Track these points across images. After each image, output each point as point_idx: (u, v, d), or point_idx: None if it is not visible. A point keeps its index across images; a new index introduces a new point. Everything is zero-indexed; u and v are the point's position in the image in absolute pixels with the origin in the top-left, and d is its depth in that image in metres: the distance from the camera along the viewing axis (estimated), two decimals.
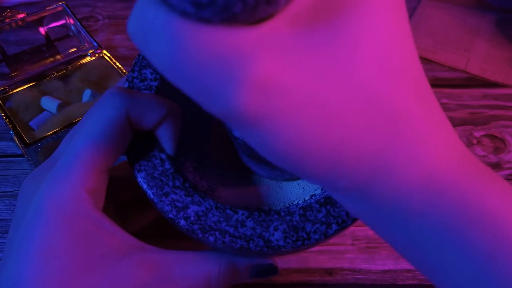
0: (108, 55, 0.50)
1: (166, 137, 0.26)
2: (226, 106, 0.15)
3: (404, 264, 0.40)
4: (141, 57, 0.28)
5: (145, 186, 0.25)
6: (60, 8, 0.52)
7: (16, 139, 0.43)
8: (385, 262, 0.39)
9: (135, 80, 0.28)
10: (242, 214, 0.24)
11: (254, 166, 0.30)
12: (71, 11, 0.52)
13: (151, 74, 0.28)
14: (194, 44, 0.15)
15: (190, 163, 0.29)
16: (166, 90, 0.28)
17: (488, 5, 0.62)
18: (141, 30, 0.16)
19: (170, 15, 0.15)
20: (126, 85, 0.28)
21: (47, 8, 0.52)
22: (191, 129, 0.27)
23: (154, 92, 0.27)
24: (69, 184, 0.23)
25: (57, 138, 0.41)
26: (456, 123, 0.49)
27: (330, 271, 0.39)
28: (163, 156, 0.26)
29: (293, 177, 0.31)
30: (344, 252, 0.40)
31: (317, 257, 0.39)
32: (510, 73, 0.54)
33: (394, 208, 0.17)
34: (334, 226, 0.24)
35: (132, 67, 0.28)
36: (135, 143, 0.26)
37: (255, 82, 0.15)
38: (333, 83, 0.15)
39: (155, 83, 0.28)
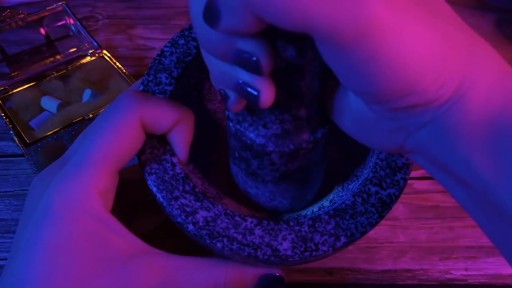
0: (108, 55, 0.50)
1: (178, 141, 0.26)
2: (363, 12, 0.15)
3: (404, 264, 0.40)
4: (156, 61, 0.29)
5: (155, 189, 0.25)
6: (60, 8, 0.52)
7: (16, 139, 0.43)
8: (385, 262, 0.40)
9: (150, 84, 0.28)
10: (251, 222, 0.24)
11: (263, 198, 0.29)
12: (71, 11, 0.52)
13: (166, 78, 0.28)
14: None
15: (199, 169, 0.29)
16: (180, 95, 0.28)
17: (488, 5, 0.62)
18: None
19: None
20: (141, 88, 0.28)
21: (47, 8, 0.52)
22: (200, 135, 0.27)
23: (168, 97, 0.27)
24: (79, 183, 0.23)
25: (57, 138, 0.41)
26: None
27: (330, 271, 0.39)
28: (174, 160, 0.26)
29: (301, 206, 0.30)
30: (344, 252, 0.40)
31: None
32: None
33: (479, 108, 0.18)
34: (342, 239, 0.24)
35: (147, 70, 0.28)
36: (147, 146, 0.26)
37: (369, 13, 0.16)
38: (427, 11, 0.17)
39: (170, 88, 0.28)
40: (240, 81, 0.20)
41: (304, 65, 0.21)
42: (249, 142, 0.25)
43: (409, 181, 0.44)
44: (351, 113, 0.21)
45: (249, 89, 0.20)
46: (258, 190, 0.28)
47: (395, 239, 0.42)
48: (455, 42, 0.18)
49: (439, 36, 0.17)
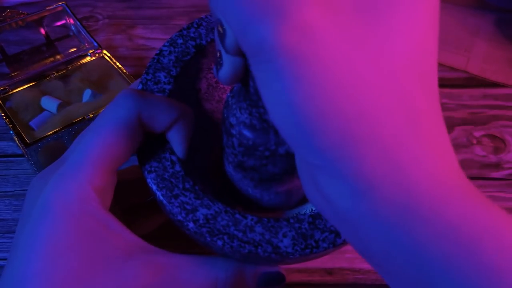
0: (108, 55, 0.50)
1: (177, 140, 0.26)
2: (263, 37, 0.15)
3: None
4: (155, 60, 0.29)
5: (154, 187, 0.25)
6: (60, 8, 0.52)
7: (16, 139, 0.43)
8: None
9: (148, 83, 0.28)
10: (251, 219, 0.24)
11: (257, 192, 0.29)
12: (71, 11, 0.52)
13: (165, 77, 0.28)
14: None
15: (198, 168, 0.29)
16: (179, 93, 0.28)
17: (488, 5, 0.62)
18: None
19: None
20: (139, 87, 0.28)
21: (47, 8, 0.52)
22: (197, 135, 0.27)
23: (167, 95, 0.27)
24: (77, 182, 0.23)
25: (57, 138, 0.41)
26: (456, 123, 0.49)
27: (330, 271, 0.39)
28: (174, 158, 0.26)
29: (291, 202, 0.30)
30: (344, 252, 0.40)
31: None
32: (510, 73, 0.54)
33: (396, 208, 0.16)
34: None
35: (146, 69, 0.28)
36: (146, 144, 0.26)
37: (297, 22, 0.15)
38: (368, 53, 0.15)
39: (169, 86, 0.28)
40: (218, 48, 0.21)
41: None
42: (225, 115, 0.25)
43: None
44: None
45: (218, 59, 0.21)
46: (248, 188, 0.28)
47: None
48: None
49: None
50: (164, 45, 0.29)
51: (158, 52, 0.29)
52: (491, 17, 0.60)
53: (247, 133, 0.24)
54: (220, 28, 0.18)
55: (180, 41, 0.29)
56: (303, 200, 0.30)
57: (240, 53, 0.19)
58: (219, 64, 0.21)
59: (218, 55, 0.21)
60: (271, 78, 0.16)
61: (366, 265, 0.39)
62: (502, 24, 0.59)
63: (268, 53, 0.15)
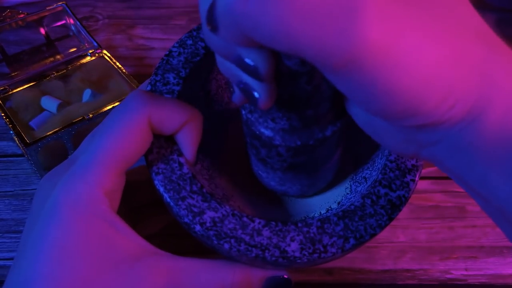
0: (108, 55, 0.50)
1: (186, 142, 0.25)
2: (353, 38, 0.15)
3: (404, 264, 0.40)
4: (164, 61, 0.28)
5: (162, 189, 0.25)
6: (60, 8, 0.52)
7: (16, 139, 0.43)
8: (385, 262, 0.40)
9: (157, 84, 0.28)
10: (259, 223, 0.24)
11: (274, 182, 0.29)
12: (71, 11, 0.52)
13: (174, 78, 0.28)
14: None
15: (206, 170, 0.29)
16: (187, 95, 0.28)
17: (488, 5, 0.62)
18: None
19: None
20: (148, 88, 0.28)
21: (47, 8, 0.52)
22: (206, 137, 0.27)
23: (176, 97, 0.27)
24: (86, 183, 0.23)
25: (57, 138, 0.41)
26: None
27: (330, 271, 0.39)
28: (182, 160, 0.25)
29: (311, 191, 0.30)
30: None
31: None
32: None
33: (497, 128, 0.17)
34: (351, 241, 0.24)
35: (155, 70, 0.28)
36: (154, 145, 0.26)
37: (379, 11, 0.15)
38: (433, 20, 0.16)
39: (178, 88, 0.28)
40: (242, 81, 0.20)
41: (310, 71, 0.21)
42: (257, 132, 0.25)
43: None
44: (363, 117, 0.21)
45: (249, 90, 0.20)
46: (268, 175, 0.28)
47: (395, 239, 0.42)
48: (468, 57, 0.17)
49: (447, 51, 0.16)
50: (173, 46, 0.29)
51: (167, 53, 0.29)
52: (491, 17, 0.60)
53: (290, 137, 0.24)
54: (248, 61, 0.18)
55: (189, 42, 0.29)
56: (321, 190, 0.30)
57: (272, 78, 0.19)
58: (250, 95, 0.20)
59: (242, 86, 0.20)
60: (361, 74, 0.16)
61: (366, 265, 0.39)
62: (502, 24, 0.59)
63: (359, 52, 0.15)
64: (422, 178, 0.46)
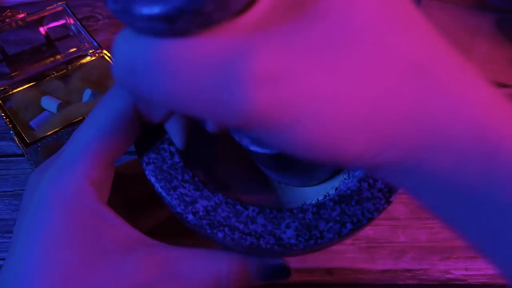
0: (108, 55, 0.50)
1: (175, 130, 0.25)
2: (239, 111, 0.14)
3: (404, 264, 0.40)
4: None
5: (153, 179, 0.24)
6: (60, 8, 0.52)
7: (16, 139, 0.43)
8: (385, 262, 0.39)
9: None
10: (253, 210, 0.23)
11: (273, 174, 0.29)
12: (71, 11, 0.52)
13: None
14: (181, 62, 0.14)
15: (199, 161, 0.29)
16: None
17: (488, 5, 0.62)
18: (129, 72, 0.16)
19: (148, 44, 0.15)
20: None
21: (47, 8, 0.52)
22: (200, 128, 0.27)
23: None
24: (73, 175, 0.23)
25: (57, 138, 0.41)
26: None
27: (330, 271, 0.39)
28: (172, 149, 0.25)
29: (312, 182, 0.30)
30: (344, 252, 0.40)
31: (317, 257, 0.39)
32: (510, 73, 0.54)
33: (447, 176, 0.16)
34: (348, 226, 0.23)
35: None
36: (144, 135, 0.25)
37: (258, 76, 0.14)
38: (339, 56, 0.15)
39: None
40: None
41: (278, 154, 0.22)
42: (243, 144, 0.25)
43: None
44: None
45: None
46: (266, 170, 0.28)
47: (395, 239, 0.41)
48: (394, 100, 0.15)
49: (362, 99, 0.14)
50: None
51: None
52: (491, 17, 0.60)
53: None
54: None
55: None
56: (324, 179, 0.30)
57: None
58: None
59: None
60: (271, 137, 0.16)
61: (366, 265, 0.39)
62: (502, 24, 0.59)
63: (253, 121, 0.15)
64: None
